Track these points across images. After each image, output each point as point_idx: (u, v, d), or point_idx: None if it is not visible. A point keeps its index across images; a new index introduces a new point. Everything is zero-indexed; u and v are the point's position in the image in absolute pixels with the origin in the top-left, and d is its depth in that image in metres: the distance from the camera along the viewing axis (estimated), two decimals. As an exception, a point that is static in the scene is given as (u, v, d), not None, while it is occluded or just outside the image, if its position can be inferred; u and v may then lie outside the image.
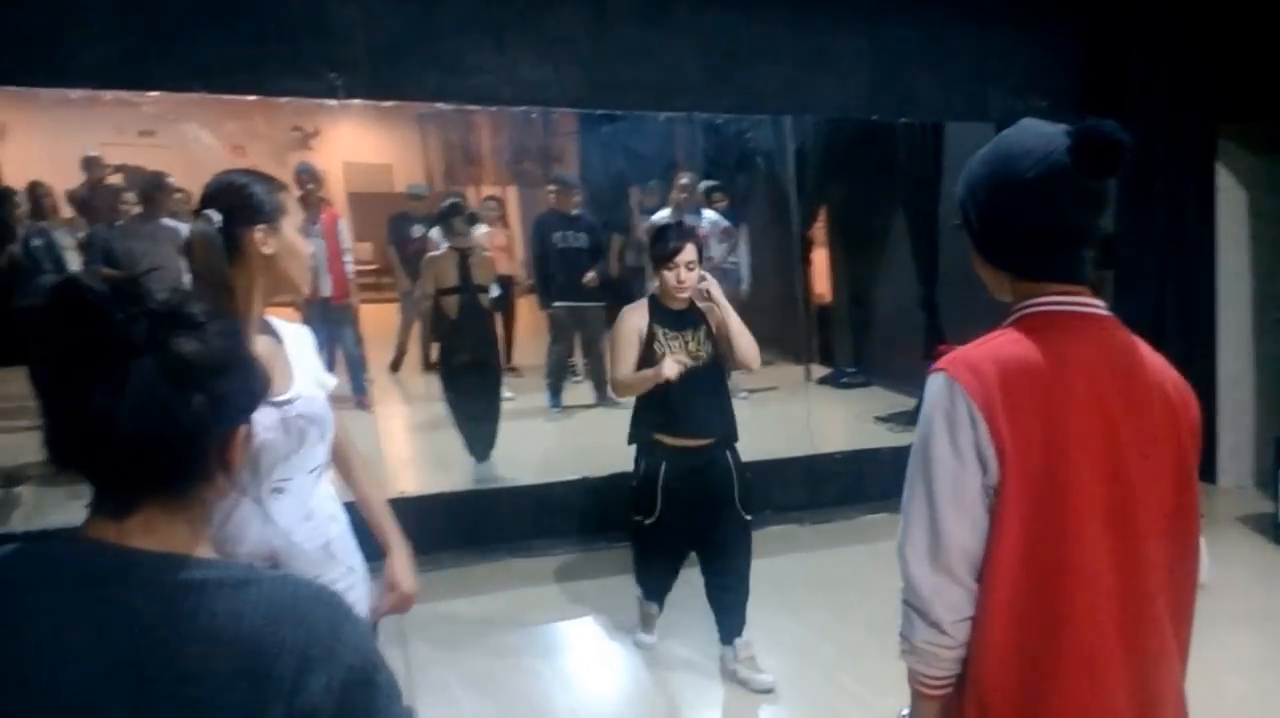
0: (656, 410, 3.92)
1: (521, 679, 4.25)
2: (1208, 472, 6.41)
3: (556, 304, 7.98)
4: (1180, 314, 6.53)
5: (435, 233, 7.55)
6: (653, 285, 4.04)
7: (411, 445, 7.68)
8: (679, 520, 4.01)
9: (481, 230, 8.48)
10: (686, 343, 3.92)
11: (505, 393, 8.34)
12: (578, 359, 8.81)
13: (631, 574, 4.40)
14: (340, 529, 2.28)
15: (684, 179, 8.15)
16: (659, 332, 3.92)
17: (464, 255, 6.27)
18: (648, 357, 3.89)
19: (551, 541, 5.67)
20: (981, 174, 1.64)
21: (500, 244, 8.84)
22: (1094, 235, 1.60)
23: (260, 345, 2.11)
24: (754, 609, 4.10)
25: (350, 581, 2.24)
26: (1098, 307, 1.62)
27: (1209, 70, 6.13)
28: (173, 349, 1.09)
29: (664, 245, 3.85)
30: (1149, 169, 6.25)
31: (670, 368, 3.74)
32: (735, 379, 8.63)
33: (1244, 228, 6.53)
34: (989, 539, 1.55)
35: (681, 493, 3.97)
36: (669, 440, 3.96)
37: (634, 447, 4.10)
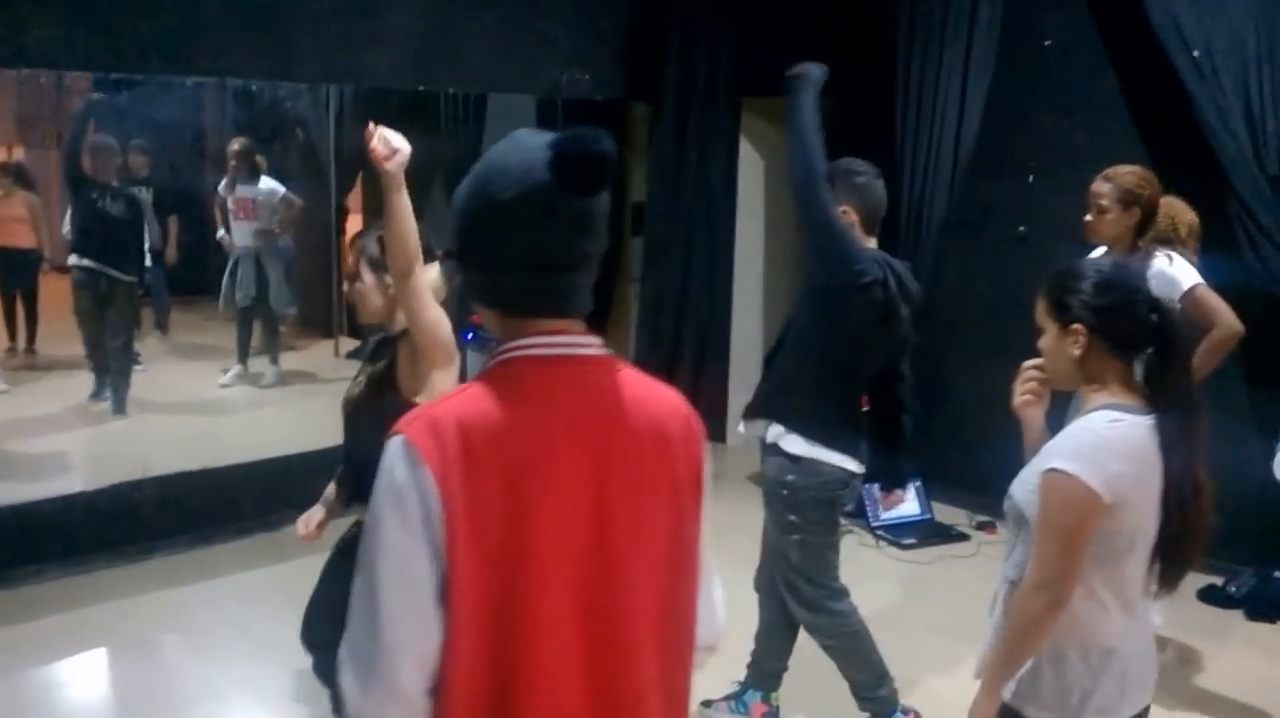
0: None
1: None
2: (718, 432, 6.72)
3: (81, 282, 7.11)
4: (705, 280, 6.99)
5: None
6: None
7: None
8: None
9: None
10: (359, 381, 2.91)
11: (-1, 384, 7.41)
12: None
13: (147, 594, 3.90)
14: None
15: (237, 144, 7.63)
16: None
17: None
18: None
19: (37, 567, 4.88)
20: (461, 197, 1.43)
21: (20, 215, 7.77)
22: (584, 261, 1.42)
23: None
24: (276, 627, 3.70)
25: None
26: (587, 346, 1.44)
27: (737, 45, 6.60)
28: None
29: None
30: (682, 141, 6.65)
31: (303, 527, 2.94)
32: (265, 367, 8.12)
33: (760, 196, 7.16)
34: (442, 643, 1.32)
35: None
36: None
37: None
